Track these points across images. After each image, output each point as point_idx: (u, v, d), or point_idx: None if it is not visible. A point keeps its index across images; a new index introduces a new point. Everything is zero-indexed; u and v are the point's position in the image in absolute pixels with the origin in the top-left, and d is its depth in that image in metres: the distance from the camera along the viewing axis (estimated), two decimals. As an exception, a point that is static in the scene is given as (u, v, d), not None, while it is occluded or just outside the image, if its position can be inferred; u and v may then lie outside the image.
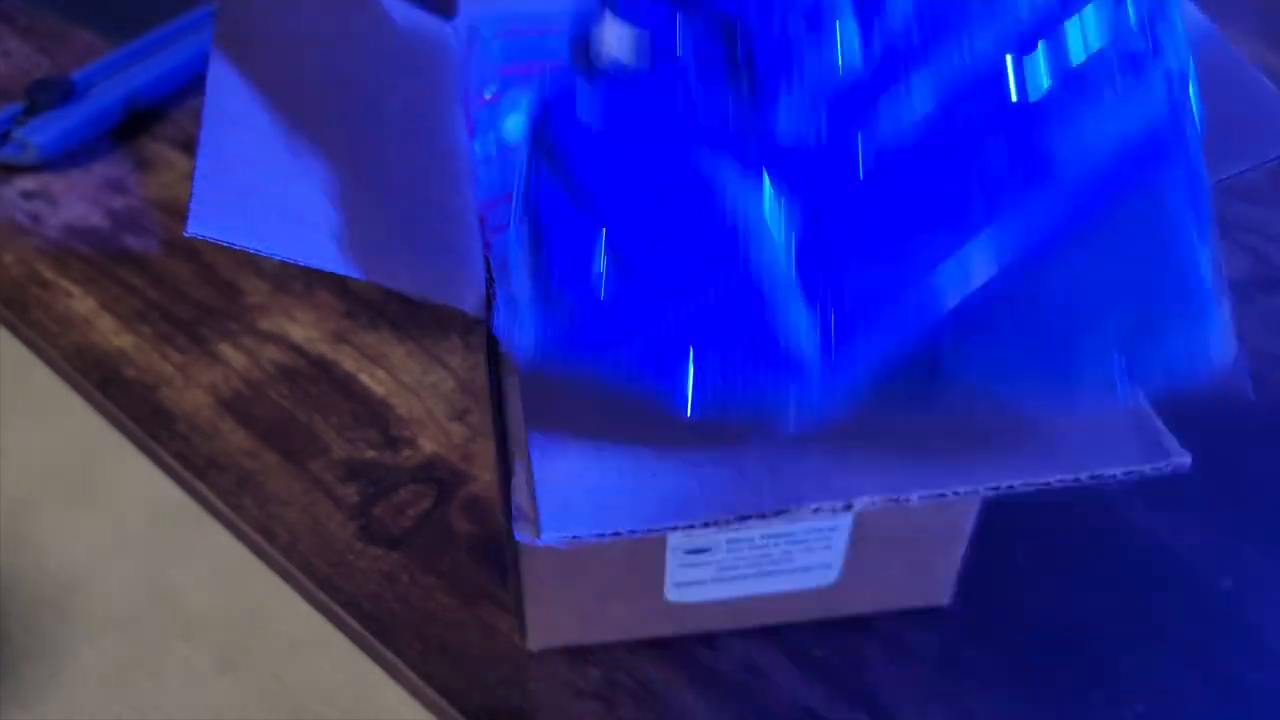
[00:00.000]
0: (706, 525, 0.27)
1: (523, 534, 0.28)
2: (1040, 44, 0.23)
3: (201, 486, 0.40)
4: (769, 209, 0.24)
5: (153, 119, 0.54)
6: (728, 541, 0.33)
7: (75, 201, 0.50)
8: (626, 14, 0.24)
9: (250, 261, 0.47)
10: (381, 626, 0.36)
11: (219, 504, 0.40)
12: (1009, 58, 0.23)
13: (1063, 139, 0.23)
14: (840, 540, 0.34)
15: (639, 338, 0.24)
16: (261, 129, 0.31)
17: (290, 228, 0.28)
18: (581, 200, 0.24)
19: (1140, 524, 0.39)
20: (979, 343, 0.24)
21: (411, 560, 0.38)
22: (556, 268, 0.24)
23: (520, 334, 0.25)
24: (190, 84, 0.55)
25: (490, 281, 0.33)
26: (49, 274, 0.47)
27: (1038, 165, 0.23)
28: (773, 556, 0.34)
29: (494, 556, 0.38)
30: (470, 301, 0.31)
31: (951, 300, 0.24)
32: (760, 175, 0.24)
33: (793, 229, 0.24)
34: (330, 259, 0.29)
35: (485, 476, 0.40)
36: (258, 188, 0.29)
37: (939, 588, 0.37)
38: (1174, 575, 0.38)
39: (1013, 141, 0.23)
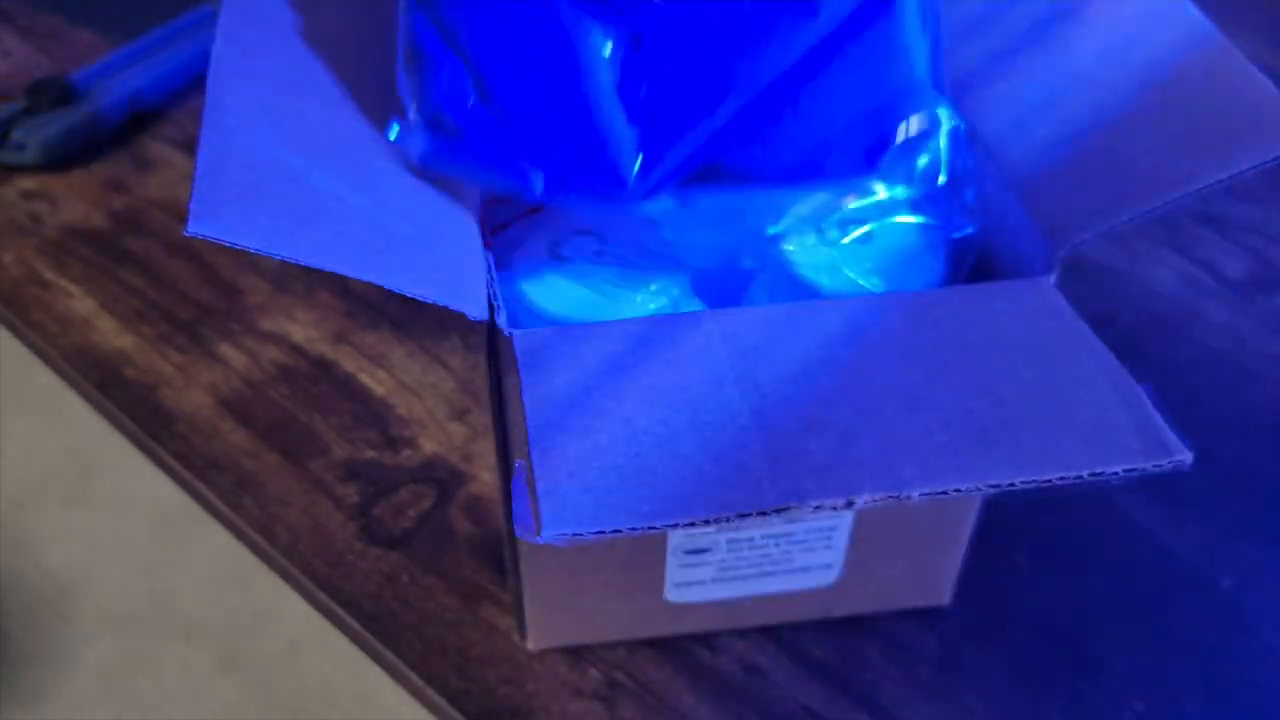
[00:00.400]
0: (707, 523, 0.27)
1: (523, 532, 0.29)
2: None
3: (202, 487, 0.40)
4: (596, 41, 0.30)
5: (153, 119, 0.54)
6: (728, 542, 0.33)
7: (75, 202, 0.50)
8: None
9: (251, 262, 0.47)
10: (382, 626, 0.36)
11: (219, 504, 0.40)
12: None
13: None
14: (840, 540, 0.34)
15: (501, 149, 0.30)
16: (262, 129, 0.31)
17: (291, 227, 0.28)
18: (451, 40, 0.30)
19: (1140, 524, 0.39)
20: (753, 149, 0.30)
21: (412, 560, 0.38)
22: (435, 97, 0.30)
23: (412, 148, 0.30)
24: (191, 84, 0.55)
25: (490, 281, 0.33)
26: (49, 274, 0.47)
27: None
28: (773, 557, 0.34)
29: (494, 556, 0.38)
30: (470, 302, 0.31)
31: (733, 116, 0.30)
32: (592, 9, 0.29)
33: (616, 57, 0.30)
34: (331, 259, 0.29)
35: (485, 476, 0.40)
36: (258, 187, 0.29)
37: (939, 588, 0.37)
38: (1174, 575, 0.38)
39: None
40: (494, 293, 0.32)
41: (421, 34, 0.30)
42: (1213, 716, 0.35)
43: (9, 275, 0.47)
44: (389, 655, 0.36)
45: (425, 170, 0.31)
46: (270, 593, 0.38)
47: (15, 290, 0.46)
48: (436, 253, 0.32)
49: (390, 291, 0.28)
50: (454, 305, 0.30)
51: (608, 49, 0.30)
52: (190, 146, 0.52)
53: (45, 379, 0.44)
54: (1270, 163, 0.29)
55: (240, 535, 0.39)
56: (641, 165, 0.30)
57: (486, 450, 0.41)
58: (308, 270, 0.46)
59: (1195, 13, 0.32)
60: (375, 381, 0.43)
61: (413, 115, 0.31)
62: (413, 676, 0.35)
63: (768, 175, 0.31)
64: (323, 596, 0.37)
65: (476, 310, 0.31)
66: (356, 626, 0.37)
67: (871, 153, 0.31)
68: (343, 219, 0.30)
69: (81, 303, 0.46)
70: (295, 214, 0.29)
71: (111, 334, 0.45)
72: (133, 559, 0.39)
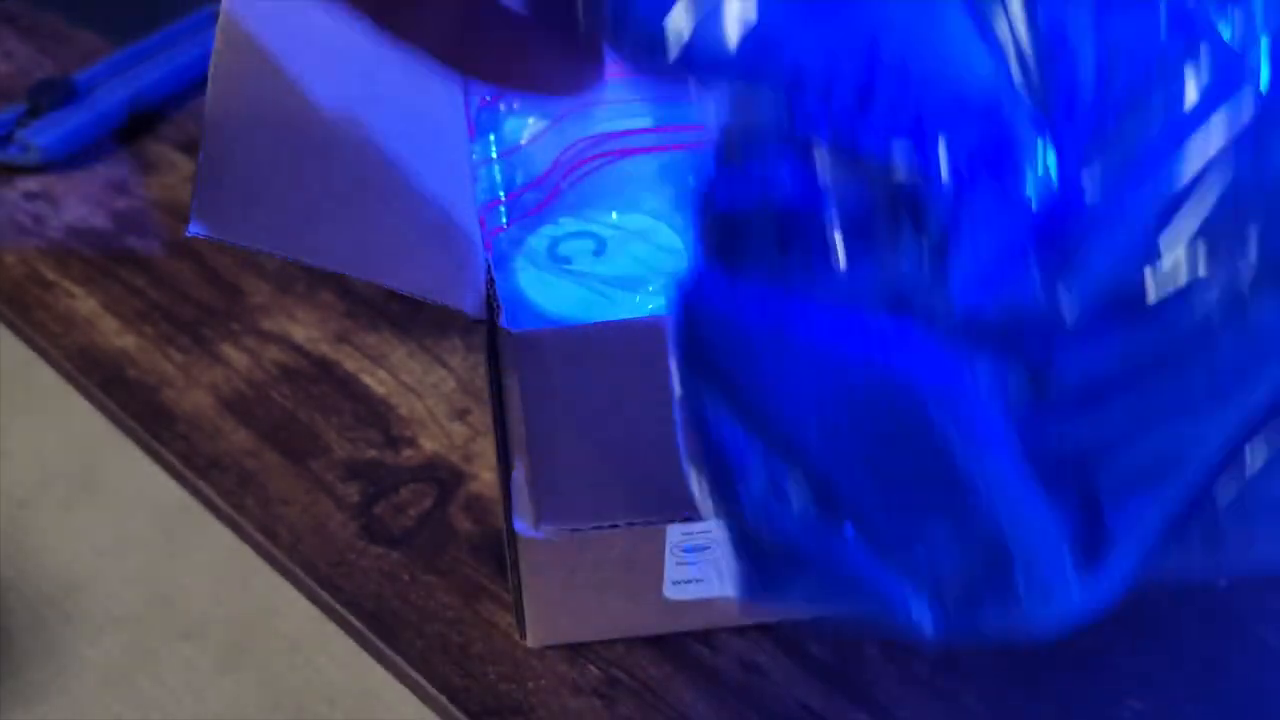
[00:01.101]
0: (704, 518, 0.27)
1: (522, 526, 0.29)
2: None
3: (203, 486, 0.40)
4: (978, 388, 0.20)
5: (155, 120, 0.54)
6: (727, 539, 0.33)
7: (77, 203, 0.50)
8: (755, 176, 0.20)
9: (252, 262, 0.47)
10: (383, 625, 0.36)
11: (221, 504, 0.40)
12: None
13: None
14: (839, 539, 0.33)
15: (857, 570, 0.21)
16: (264, 130, 0.31)
17: (292, 227, 0.28)
18: (758, 423, 0.21)
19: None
20: (1257, 490, 0.20)
21: (412, 559, 0.38)
22: (750, 511, 0.21)
23: (726, 581, 0.22)
24: (193, 85, 0.55)
25: (490, 281, 0.33)
26: (51, 275, 0.47)
27: None
28: (772, 555, 0.34)
29: (494, 555, 0.38)
30: (470, 301, 0.31)
31: (1229, 460, 0.20)
32: (958, 350, 0.20)
33: (1010, 408, 0.21)
34: (331, 258, 0.29)
35: (486, 476, 0.40)
36: (260, 188, 0.29)
37: (938, 587, 0.36)
38: (1172, 574, 0.38)
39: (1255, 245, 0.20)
40: (494, 292, 0.32)
41: (718, 430, 0.21)
42: (1211, 716, 0.35)
43: (11, 275, 0.47)
44: (390, 653, 0.36)
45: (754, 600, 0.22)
46: (272, 592, 0.38)
47: (17, 290, 0.46)
48: (437, 252, 0.32)
49: (391, 291, 0.28)
50: (454, 304, 0.30)
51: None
52: (192, 148, 0.52)
53: (47, 379, 0.44)
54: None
55: (242, 534, 0.39)
56: (1090, 555, 0.21)
57: (487, 450, 0.41)
58: (309, 270, 0.46)
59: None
60: (376, 381, 0.43)
61: (719, 531, 0.22)
62: (413, 674, 0.35)
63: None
64: (324, 595, 0.37)
65: (476, 309, 0.31)
66: (358, 625, 0.37)
67: None
68: (343, 219, 0.30)
69: (83, 303, 0.46)
70: (296, 214, 0.29)
71: (113, 334, 0.45)
72: (134, 558, 0.39)
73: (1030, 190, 0.19)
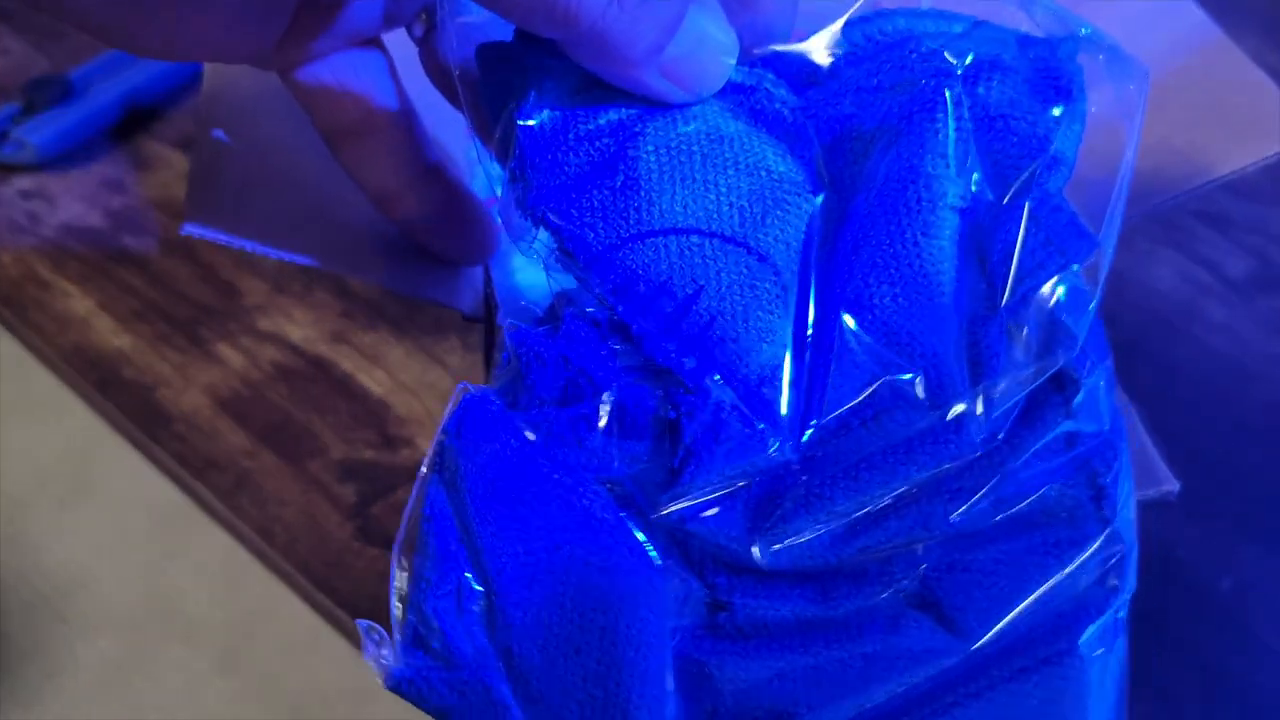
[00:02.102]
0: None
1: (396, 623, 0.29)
2: (979, 478, 0.24)
3: (199, 487, 0.40)
4: (661, 604, 0.24)
5: (151, 118, 0.54)
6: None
7: (73, 201, 0.50)
8: (559, 344, 0.24)
9: (249, 261, 0.47)
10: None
11: (217, 504, 0.39)
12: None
13: (977, 587, 0.24)
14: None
15: (490, 704, 0.23)
16: (259, 128, 0.31)
17: (288, 227, 0.28)
18: (470, 541, 0.24)
19: (1140, 524, 0.39)
20: None
21: (410, 560, 0.38)
22: (430, 603, 0.23)
23: (383, 661, 0.24)
24: (189, 83, 0.54)
25: (488, 281, 0.33)
26: (47, 274, 0.47)
27: (950, 612, 0.24)
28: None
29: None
30: (467, 301, 0.31)
31: None
32: (665, 560, 0.24)
33: (689, 621, 0.24)
34: (328, 258, 0.29)
35: (484, 476, 0.40)
36: (255, 187, 0.29)
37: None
38: (1174, 575, 0.38)
39: (930, 572, 0.24)
40: (492, 291, 0.32)
41: (436, 519, 0.24)
42: (1212, 717, 0.35)
43: (7, 275, 0.47)
44: (387, 656, 0.36)
45: (398, 693, 0.24)
46: (268, 593, 0.38)
47: (13, 290, 0.46)
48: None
49: (388, 291, 0.28)
50: (452, 304, 0.30)
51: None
52: (189, 146, 0.52)
53: (43, 379, 0.44)
54: (1270, 159, 0.29)
55: (238, 535, 0.39)
56: None
57: (485, 450, 0.41)
58: (305, 270, 0.46)
59: (1196, 10, 0.32)
60: (373, 381, 0.43)
61: (397, 620, 0.24)
62: (411, 677, 0.35)
63: None
64: (320, 596, 0.37)
65: (474, 308, 0.31)
66: (354, 626, 0.36)
67: None
68: (340, 218, 0.30)
69: (79, 302, 0.46)
70: (292, 213, 0.29)
71: (109, 333, 0.45)
72: (131, 559, 0.39)
73: (770, 452, 0.23)
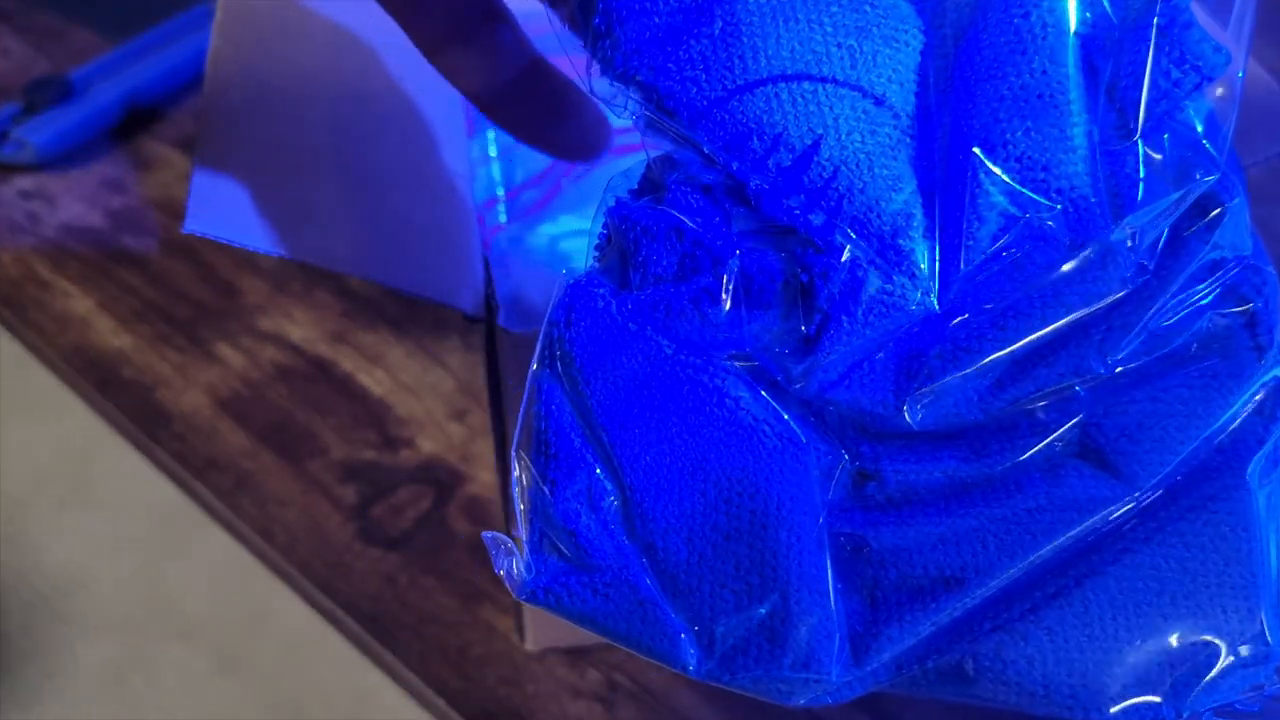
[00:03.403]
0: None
1: (522, 528, 0.28)
2: (1133, 315, 0.23)
3: (200, 487, 0.40)
4: (808, 475, 0.22)
5: (152, 118, 0.54)
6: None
7: (74, 201, 0.50)
8: (669, 215, 0.22)
9: (249, 261, 0.47)
10: (380, 627, 0.36)
11: (217, 505, 0.39)
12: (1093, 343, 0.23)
13: (1138, 429, 0.23)
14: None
15: (646, 601, 0.22)
16: (260, 127, 0.31)
17: (289, 226, 0.28)
18: (594, 431, 0.22)
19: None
20: (1016, 650, 0.22)
21: (410, 561, 0.38)
22: (560, 511, 0.22)
23: (516, 576, 0.23)
24: (190, 83, 0.54)
25: (488, 281, 0.33)
26: (47, 274, 0.47)
27: (1113, 457, 0.23)
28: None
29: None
30: (469, 301, 0.31)
31: (1000, 600, 0.22)
32: (800, 428, 0.23)
33: (836, 495, 0.23)
34: (329, 257, 0.28)
35: (484, 477, 0.40)
36: (256, 186, 0.28)
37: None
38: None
39: (1089, 419, 0.23)
40: (493, 291, 0.32)
41: (553, 418, 0.22)
42: (1214, 717, 0.35)
43: (7, 275, 0.47)
44: (388, 656, 0.36)
45: (534, 604, 0.23)
46: (268, 593, 0.38)
47: (13, 290, 0.46)
48: (435, 251, 0.32)
49: (389, 290, 0.28)
50: (453, 303, 0.30)
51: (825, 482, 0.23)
52: (189, 146, 0.52)
53: (42, 379, 0.44)
54: (1271, 159, 0.29)
55: (238, 536, 0.39)
56: (848, 654, 0.22)
57: (485, 451, 0.41)
58: (306, 269, 0.46)
59: (1197, 10, 0.32)
60: (374, 381, 0.43)
61: (522, 528, 0.23)
62: (411, 677, 0.35)
63: (1021, 692, 0.23)
64: (321, 597, 0.37)
65: (475, 309, 0.31)
66: (355, 627, 0.36)
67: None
68: (340, 217, 0.30)
69: (79, 302, 0.46)
70: (293, 212, 0.29)
71: (109, 334, 0.45)
72: (130, 560, 0.39)
73: (912, 308, 0.22)
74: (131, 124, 0.53)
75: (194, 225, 0.25)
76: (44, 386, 0.44)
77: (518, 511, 0.22)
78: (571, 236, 0.35)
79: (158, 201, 0.50)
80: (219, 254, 0.47)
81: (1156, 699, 0.22)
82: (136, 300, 0.46)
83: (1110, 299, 0.22)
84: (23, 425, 0.43)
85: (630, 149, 0.36)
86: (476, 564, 0.38)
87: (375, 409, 0.42)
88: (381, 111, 0.35)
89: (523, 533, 0.22)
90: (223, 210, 0.27)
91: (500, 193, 0.36)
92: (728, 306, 0.22)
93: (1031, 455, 0.23)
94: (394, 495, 0.40)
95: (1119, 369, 0.23)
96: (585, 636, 0.36)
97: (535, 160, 0.37)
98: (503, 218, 0.35)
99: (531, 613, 0.34)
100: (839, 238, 0.22)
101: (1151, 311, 0.23)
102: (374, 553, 0.38)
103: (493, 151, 0.38)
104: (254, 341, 0.44)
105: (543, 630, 0.35)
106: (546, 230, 0.35)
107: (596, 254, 0.23)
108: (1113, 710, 0.22)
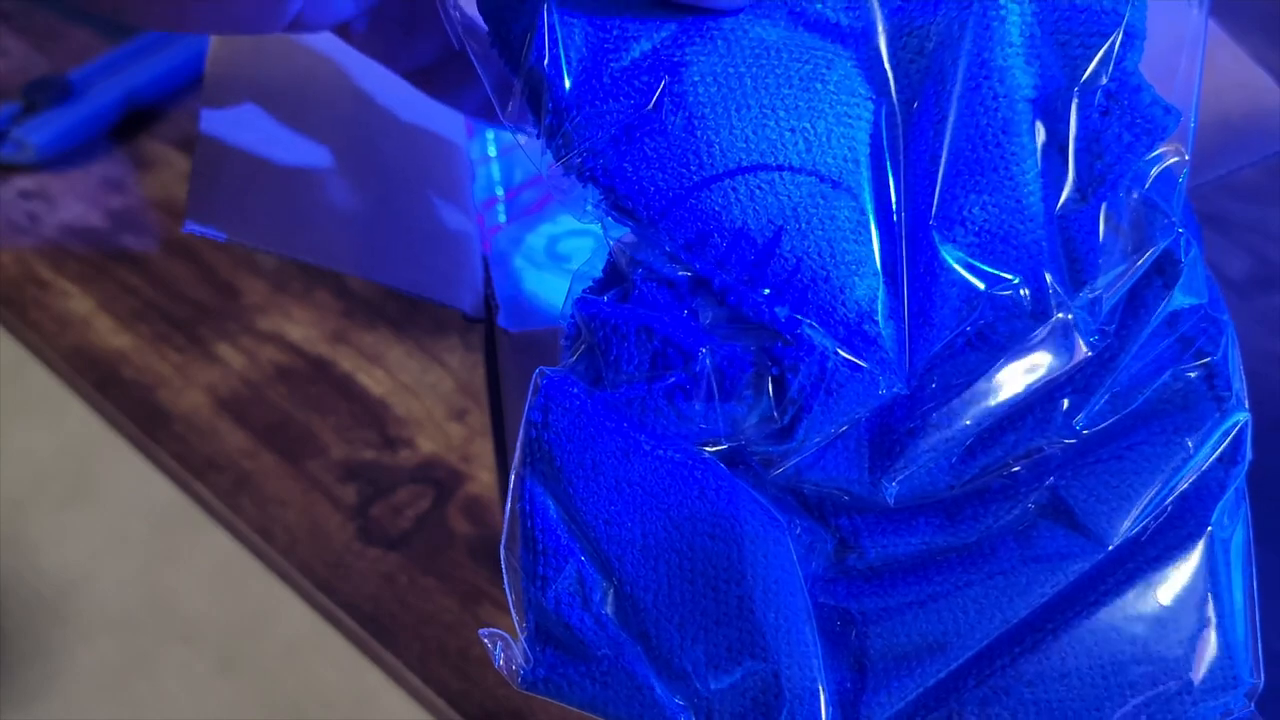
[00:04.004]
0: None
1: (517, 624, 0.28)
2: (1095, 379, 0.23)
3: (199, 487, 0.40)
4: (791, 557, 0.23)
5: (151, 118, 0.54)
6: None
7: (73, 201, 0.50)
8: (637, 313, 0.23)
9: (249, 261, 0.47)
10: (380, 628, 0.36)
11: (217, 505, 0.39)
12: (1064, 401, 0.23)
13: (1104, 488, 0.24)
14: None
15: (638, 689, 0.23)
16: (260, 127, 0.31)
17: (288, 225, 0.28)
18: (580, 525, 0.23)
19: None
20: (999, 704, 0.23)
21: (410, 561, 0.38)
22: (551, 600, 0.23)
23: (514, 667, 0.23)
24: (189, 83, 0.54)
25: (488, 282, 0.33)
26: (47, 274, 0.47)
27: (1081, 517, 0.23)
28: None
29: (493, 557, 0.38)
30: (468, 301, 0.31)
31: (983, 658, 0.23)
32: (780, 508, 0.23)
33: (818, 567, 0.24)
34: (329, 256, 0.28)
35: (484, 477, 0.40)
36: (256, 185, 0.28)
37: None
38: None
39: (1057, 480, 0.24)
40: (492, 291, 0.32)
41: (539, 515, 0.23)
42: (1214, 717, 0.35)
43: (7, 275, 0.47)
44: (387, 656, 0.36)
45: (534, 693, 0.23)
46: (268, 594, 0.38)
47: (13, 290, 0.46)
48: (435, 251, 0.32)
49: (388, 290, 0.27)
50: (452, 303, 0.29)
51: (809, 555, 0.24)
52: (188, 145, 0.52)
53: (42, 379, 0.44)
54: (1270, 159, 0.29)
55: (238, 536, 0.39)
56: (849, 714, 0.23)
57: (485, 450, 0.41)
58: (305, 269, 0.46)
59: (1196, 8, 0.32)
60: (373, 381, 0.43)
61: (517, 621, 0.23)
62: (411, 677, 0.35)
63: None
64: (321, 597, 0.37)
65: (475, 309, 0.31)
66: (355, 627, 0.36)
67: None
68: (340, 217, 0.30)
69: (79, 302, 0.46)
70: (292, 211, 0.29)
71: (109, 334, 0.45)
72: (130, 560, 0.39)
73: (881, 392, 0.22)
74: (131, 124, 0.53)
75: (194, 225, 0.25)
76: (44, 386, 0.44)
77: (511, 605, 0.23)
78: (571, 236, 0.35)
79: (157, 201, 0.50)
80: (219, 254, 0.47)
81: None
82: (136, 300, 0.46)
83: (1073, 365, 0.23)
84: (23, 425, 0.43)
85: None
86: (476, 564, 0.38)
87: (375, 409, 0.42)
88: (381, 111, 0.35)
89: (518, 625, 0.23)
90: (222, 210, 0.27)
91: (500, 193, 0.36)
92: (701, 403, 0.22)
93: (1004, 519, 0.24)
94: (394, 495, 0.40)
95: (1085, 431, 0.23)
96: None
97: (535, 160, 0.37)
98: (502, 218, 0.35)
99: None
100: (805, 329, 0.22)
101: (1115, 373, 0.23)
102: (374, 553, 0.38)
103: (492, 151, 0.37)
104: (254, 341, 0.44)
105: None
106: (546, 230, 0.35)
107: (566, 344, 0.24)
108: None
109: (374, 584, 0.37)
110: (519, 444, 0.23)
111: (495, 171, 0.37)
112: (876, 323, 0.22)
